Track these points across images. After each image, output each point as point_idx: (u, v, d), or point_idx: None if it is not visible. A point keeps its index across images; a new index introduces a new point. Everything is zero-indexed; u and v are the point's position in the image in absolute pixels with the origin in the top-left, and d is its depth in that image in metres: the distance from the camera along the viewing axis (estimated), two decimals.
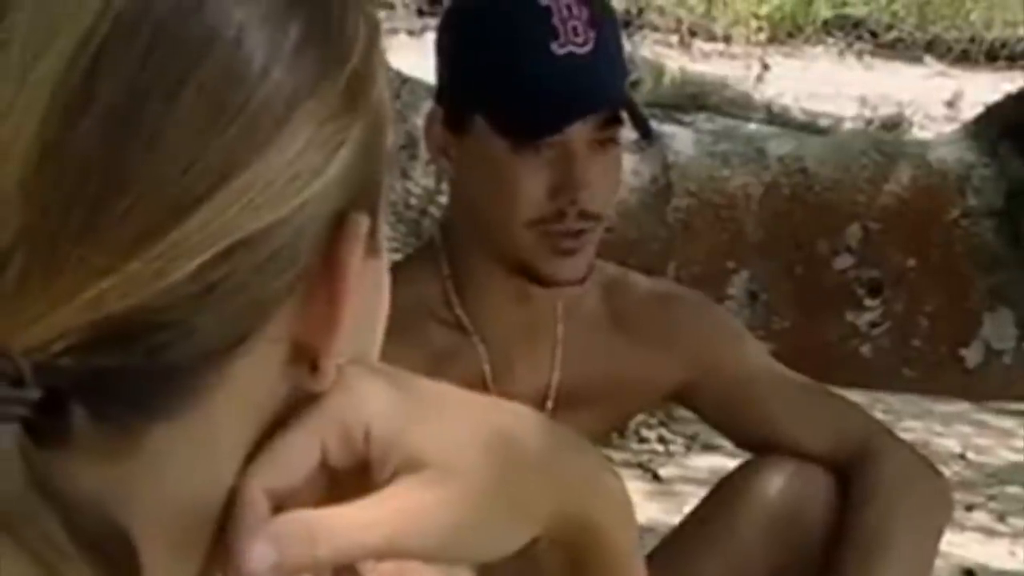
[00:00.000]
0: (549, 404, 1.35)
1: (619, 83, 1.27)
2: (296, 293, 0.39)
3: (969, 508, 2.74)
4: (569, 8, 1.20)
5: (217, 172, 0.36)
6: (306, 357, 0.40)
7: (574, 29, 1.20)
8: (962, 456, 3.17)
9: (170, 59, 0.35)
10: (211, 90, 0.36)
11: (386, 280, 0.45)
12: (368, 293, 0.42)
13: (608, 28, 1.24)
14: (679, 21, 5.39)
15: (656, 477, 2.84)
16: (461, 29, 1.27)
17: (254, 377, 0.39)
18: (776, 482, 1.38)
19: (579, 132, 1.23)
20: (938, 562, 1.41)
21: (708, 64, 4.99)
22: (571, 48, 1.20)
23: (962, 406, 3.58)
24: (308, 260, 0.38)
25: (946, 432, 3.35)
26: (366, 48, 0.40)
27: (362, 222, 0.40)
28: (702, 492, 1.56)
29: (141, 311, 0.35)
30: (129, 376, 0.36)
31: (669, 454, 2.97)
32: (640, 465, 2.90)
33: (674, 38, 5.37)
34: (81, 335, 0.35)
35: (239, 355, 0.38)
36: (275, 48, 0.37)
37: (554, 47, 1.20)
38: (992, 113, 3.91)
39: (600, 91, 1.24)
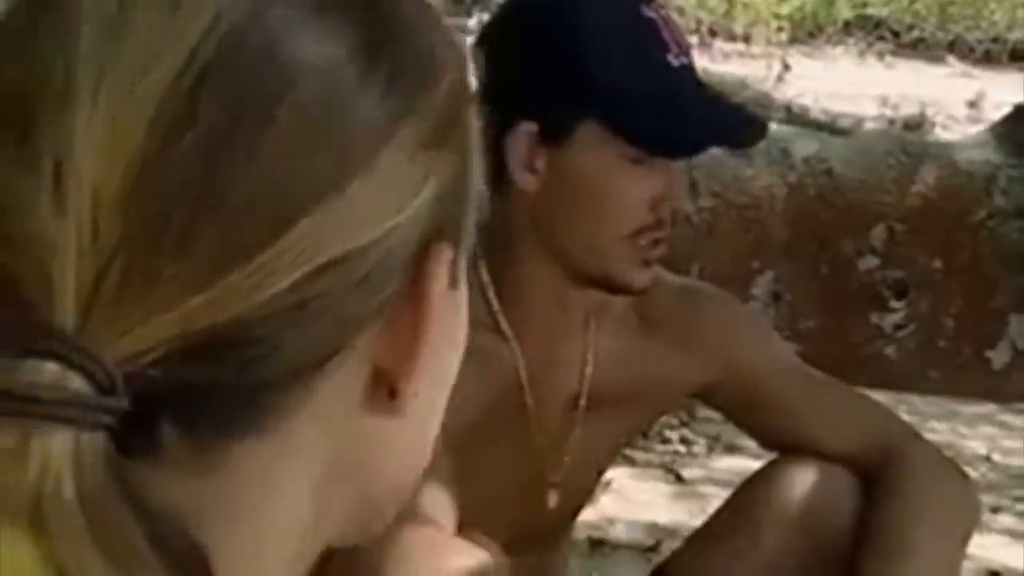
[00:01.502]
0: (582, 404, 1.35)
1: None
2: (381, 317, 0.39)
3: (995, 511, 2.72)
4: (666, 21, 1.22)
5: (311, 192, 0.37)
6: (385, 383, 0.40)
7: (677, 43, 1.21)
8: (987, 458, 3.15)
9: (268, 81, 0.37)
10: (306, 113, 0.37)
11: (464, 311, 0.45)
12: (449, 322, 0.43)
13: (687, 41, 1.27)
14: (699, 22, 5.37)
15: (679, 478, 2.83)
16: (561, 40, 1.21)
17: (336, 398, 0.39)
18: (800, 483, 1.37)
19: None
20: (964, 564, 1.40)
21: (728, 64, 4.97)
22: (682, 60, 1.22)
23: (988, 408, 3.56)
24: (395, 285, 0.39)
25: (971, 434, 3.33)
26: (454, 83, 0.41)
27: (446, 252, 0.41)
28: (725, 493, 1.56)
29: (233, 326, 0.36)
30: (218, 391, 0.36)
31: (692, 455, 2.97)
32: (663, 466, 2.89)
33: (694, 39, 5.35)
34: (173, 347, 0.35)
35: (324, 375, 0.38)
36: (366, 79, 0.39)
37: (670, 59, 1.21)
38: (1019, 113, 3.88)
39: (733, 111, 1.26)
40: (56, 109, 0.35)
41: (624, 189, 1.23)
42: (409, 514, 1.14)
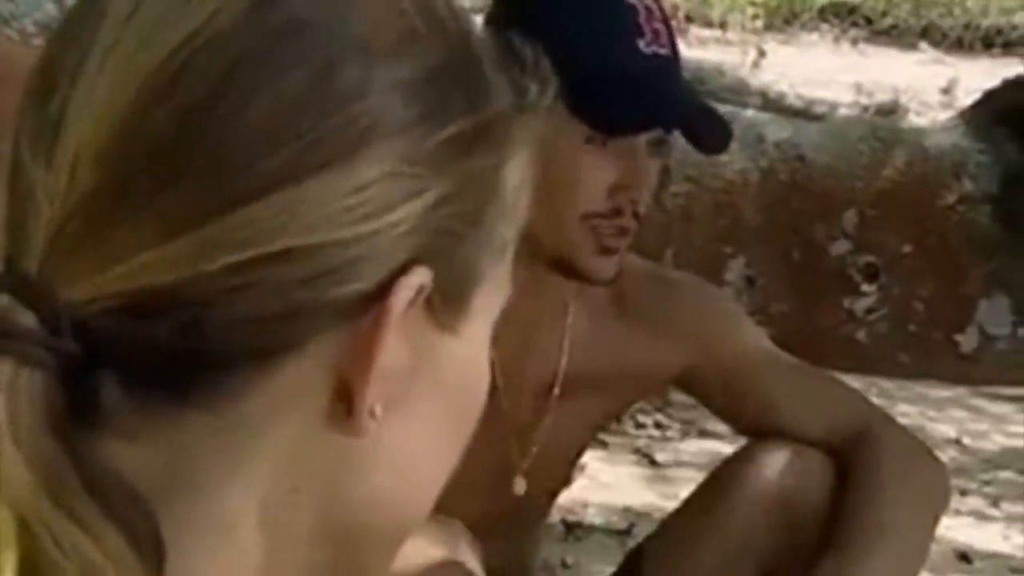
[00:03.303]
0: (556, 391, 1.35)
1: (698, 94, 1.29)
2: (342, 322, 0.39)
3: (963, 493, 2.75)
4: (649, 10, 1.21)
5: (272, 177, 0.38)
6: (345, 397, 0.40)
7: (655, 31, 1.21)
8: (957, 441, 3.18)
9: (253, 73, 0.38)
10: (284, 106, 0.38)
11: (471, 369, 0.45)
12: (427, 360, 0.42)
13: (675, 37, 1.26)
14: (675, 7, 5.38)
15: (653, 462, 2.85)
16: (537, 17, 1.23)
17: (295, 398, 0.40)
18: (773, 466, 1.38)
19: (648, 133, 1.24)
20: (932, 546, 1.42)
21: (704, 51, 4.98)
22: (656, 49, 1.21)
23: (957, 391, 3.59)
24: (357, 292, 0.39)
25: (941, 417, 3.36)
26: (488, 124, 0.41)
27: (419, 276, 0.40)
28: (699, 477, 1.57)
29: (177, 289, 0.37)
30: (161, 353, 0.37)
31: (666, 439, 2.98)
32: (637, 450, 2.91)
33: None
34: (120, 301, 0.37)
35: (279, 368, 0.39)
36: (363, 82, 0.39)
37: (641, 45, 1.21)
38: (989, 99, 3.91)
39: (692, 100, 1.25)
40: (69, 82, 0.38)
41: (582, 170, 1.23)
42: None
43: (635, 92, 1.21)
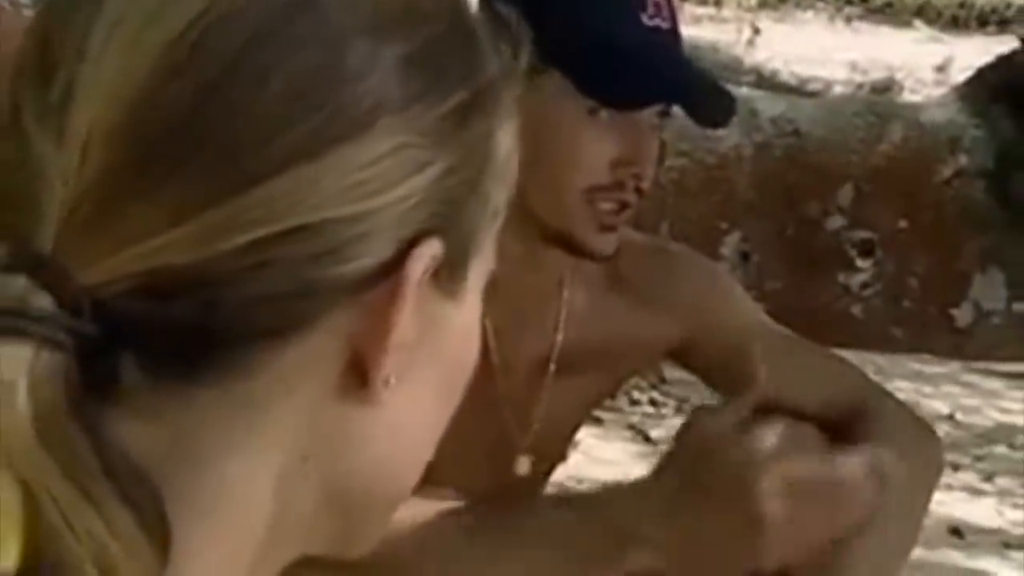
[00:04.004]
0: (552, 367, 1.35)
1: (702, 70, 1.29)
2: (356, 297, 0.39)
3: (956, 468, 2.76)
4: None
5: (286, 155, 0.38)
6: (359, 368, 0.40)
7: (656, 5, 1.20)
8: (950, 417, 3.20)
9: (267, 49, 0.38)
10: (299, 82, 0.38)
11: (466, 337, 0.45)
12: (431, 329, 0.42)
13: (675, 11, 1.25)
14: None
15: (647, 439, 2.86)
16: None
17: (306, 373, 0.40)
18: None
19: (651, 108, 1.23)
20: (925, 520, 1.42)
21: (699, 28, 4.96)
22: (658, 22, 1.20)
23: (951, 367, 3.60)
24: (371, 266, 0.39)
25: (935, 393, 3.38)
26: (483, 92, 0.42)
27: (432, 247, 0.40)
28: None
29: (195, 269, 0.37)
30: (179, 333, 0.37)
31: (660, 416, 2.99)
32: (631, 427, 2.91)
33: None
34: (138, 282, 0.36)
35: (291, 344, 0.39)
36: (373, 57, 0.39)
37: (644, 18, 1.20)
38: (983, 75, 3.91)
39: (691, 77, 1.25)
40: (73, 59, 0.38)
41: (585, 143, 1.22)
42: None
43: (639, 65, 1.20)
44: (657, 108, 1.23)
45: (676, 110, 1.27)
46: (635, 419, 2.96)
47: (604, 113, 1.20)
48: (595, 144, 1.20)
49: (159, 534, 0.35)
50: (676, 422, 3.13)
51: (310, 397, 0.40)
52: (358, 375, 0.40)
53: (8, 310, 0.35)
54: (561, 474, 1.49)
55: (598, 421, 2.78)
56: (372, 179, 0.39)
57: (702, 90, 1.24)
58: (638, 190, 1.23)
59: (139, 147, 0.37)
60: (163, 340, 0.37)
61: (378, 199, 0.39)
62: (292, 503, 0.40)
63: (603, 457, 2.69)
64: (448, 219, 0.41)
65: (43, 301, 0.35)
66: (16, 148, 0.37)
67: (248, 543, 0.39)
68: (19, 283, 0.35)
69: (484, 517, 1.20)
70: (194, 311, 0.37)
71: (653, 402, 3.06)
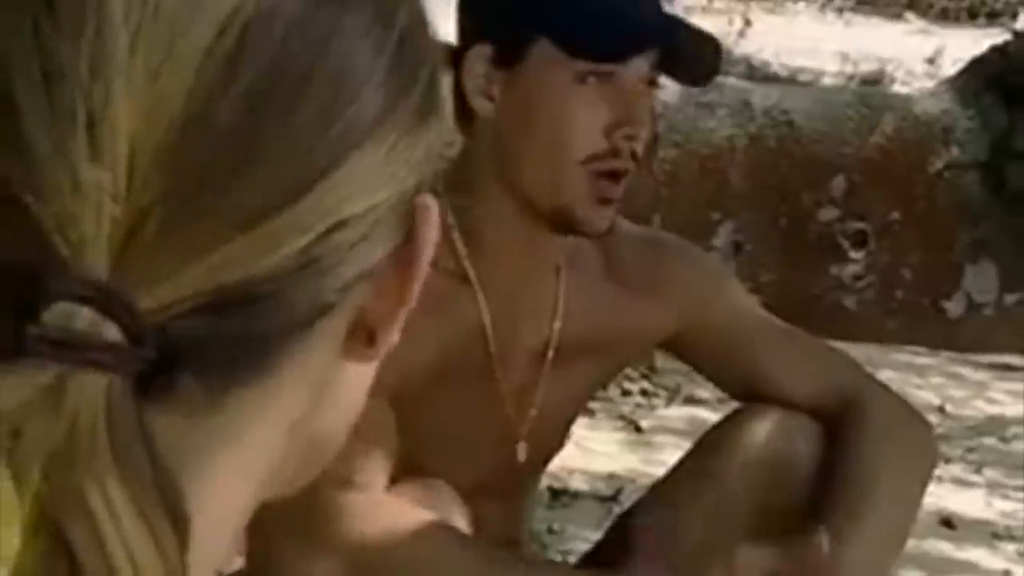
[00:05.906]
0: (549, 355, 1.35)
1: (680, 21, 1.29)
2: (375, 273, 0.41)
3: (947, 460, 2.77)
4: None
5: (339, 148, 0.38)
6: (365, 328, 0.41)
7: None
8: (940, 408, 3.20)
9: (303, 47, 0.38)
10: (334, 79, 0.39)
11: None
12: None
13: None
14: None
15: (638, 429, 2.86)
16: None
17: (322, 348, 0.40)
18: (762, 430, 1.38)
19: (636, 68, 1.22)
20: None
21: (691, 19, 4.97)
22: None
23: (940, 359, 3.61)
24: (393, 241, 0.41)
25: (924, 384, 3.38)
26: (434, 63, 0.43)
27: (431, 205, 0.42)
28: (684, 444, 1.56)
29: (250, 281, 0.37)
30: (229, 343, 0.37)
31: (651, 406, 2.99)
32: (622, 417, 2.91)
33: None
34: (197, 302, 0.36)
35: (317, 328, 0.39)
36: (387, 40, 0.40)
37: None
38: (975, 66, 3.91)
39: (672, 24, 1.25)
40: (90, 65, 0.36)
41: (577, 110, 1.22)
42: (338, 477, 1.14)
43: (620, 16, 1.20)
44: (645, 72, 1.22)
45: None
46: (626, 409, 2.96)
47: (592, 79, 1.20)
48: (586, 110, 1.20)
49: (183, 534, 0.36)
50: (667, 412, 3.14)
51: (321, 368, 0.41)
52: (363, 336, 0.41)
53: (77, 345, 0.35)
54: (553, 464, 1.49)
55: (589, 412, 2.77)
56: (394, 162, 0.40)
57: (686, 37, 1.24)
58: (633, 156, 1.23)
59: (195, 166, 0.36)
60: (217, 352, 0.37)
61: (398, 184, 0.40)
62: (288, 457, 0.42)
63: (595, 448, 2.69)
64: (432, 173, 0.43)
65: (111, 332, 0.35)
66: (31, 163, 0.36)
67: (250, 508, 0.41)
68: (84, 314, 0.35)
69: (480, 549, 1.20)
70: (246, 320, 0.37)
71: (644, 392, 3.06)
